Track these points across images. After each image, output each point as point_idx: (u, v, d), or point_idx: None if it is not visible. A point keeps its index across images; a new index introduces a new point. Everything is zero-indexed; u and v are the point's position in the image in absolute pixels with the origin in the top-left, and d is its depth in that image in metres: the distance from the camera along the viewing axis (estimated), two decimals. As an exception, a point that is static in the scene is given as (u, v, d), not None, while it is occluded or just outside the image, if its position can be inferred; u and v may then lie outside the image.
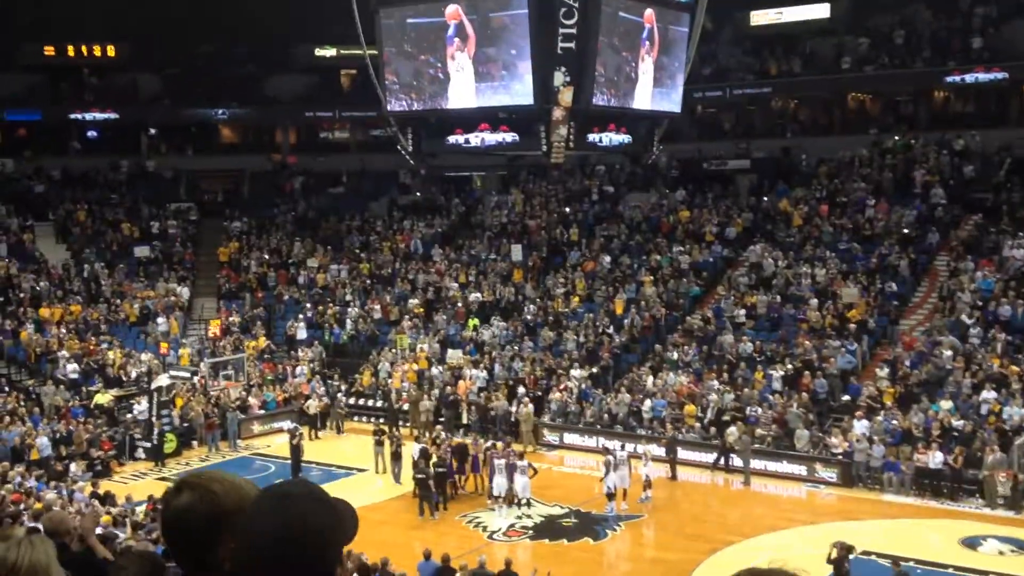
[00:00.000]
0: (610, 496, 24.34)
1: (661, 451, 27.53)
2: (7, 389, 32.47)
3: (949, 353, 29.00)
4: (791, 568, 1.75)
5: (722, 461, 27.77)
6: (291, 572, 1.99)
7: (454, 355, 35.51)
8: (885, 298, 32.69)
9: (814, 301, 33.00)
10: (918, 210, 35.90)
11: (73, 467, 27.29)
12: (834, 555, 17.73)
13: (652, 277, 36.98)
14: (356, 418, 34.09)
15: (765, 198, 39.96)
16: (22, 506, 19.12)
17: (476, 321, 37.36)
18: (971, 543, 22.03)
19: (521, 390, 32.01)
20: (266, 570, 1.98)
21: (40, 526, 12.65)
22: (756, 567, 1.75)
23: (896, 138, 40.04)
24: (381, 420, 32.86)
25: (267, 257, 43.81)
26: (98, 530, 10.40)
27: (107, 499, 22.05)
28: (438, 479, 24.85)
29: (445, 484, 25.14)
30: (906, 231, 35.06)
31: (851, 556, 18.04)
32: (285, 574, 1.98)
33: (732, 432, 27.67)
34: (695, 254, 37.84)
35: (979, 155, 37.41)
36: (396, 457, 26.79)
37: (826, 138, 42.10)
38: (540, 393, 32.26)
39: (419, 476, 24.51)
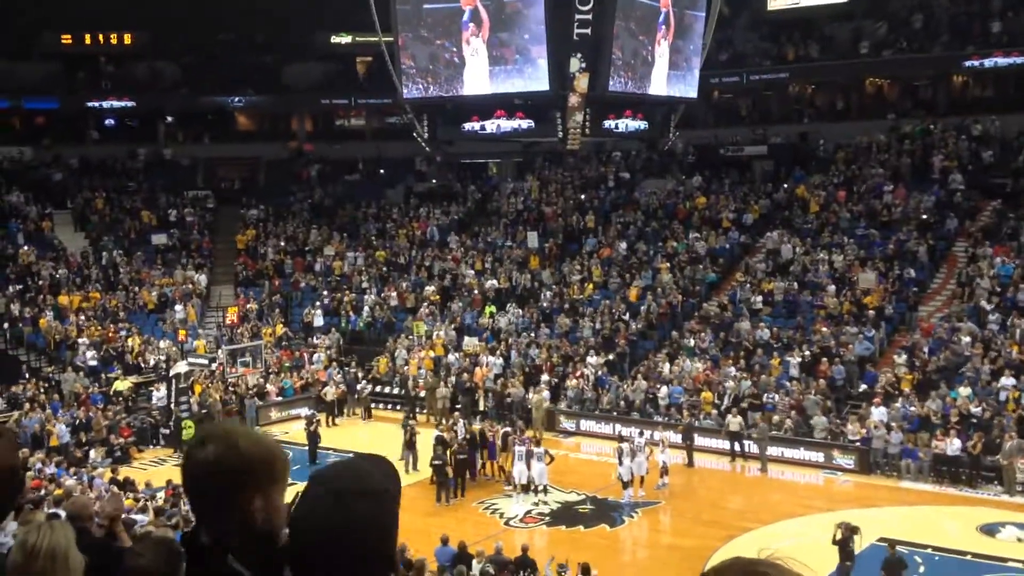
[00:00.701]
0: (625, 484, 24.36)
1: (678, 438, 27.52)
2: (27, 376, 32.70)
3: (968, 339, 28.86)
4: (778, 556, 1.75)
5: (737, 447, 27.75)
6: (357, 565, 1.97)
7: (470, 342, 35.56)
8: (903, 284, 32.52)
9: (831, 287, 32.88)
10: (936, 196, 35.68)
11: (92, 454, 27.50)
12: (839, 536, 18.08)
13: (668, 264, 36.90)
14: (373, 405, 34.16)
15: (784, 185, 39.73)
16: (43, 492, 19.27)
17: (492, 308, 37.39)
18: (989, 530, 21.95)
19: (545, 377, 32.03)
20: (331, 565, 1.96)
21: (61, 512, 12.77)
22: (742, 557, 1.76)
23: (914, 123, 39.78)
24: (398, 407, 33.05)
25: (284, 244, 43.95)
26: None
27: (126, 485, 22.20)
28: (457, 466, 24.93)
29: (464, 471, 25.20)
30: (924, 217, 34.86)
31: (856, 537, 18.14)
32: (351, 568, 1.97)
33: (734, 421, 27.57)
34: (711, 240, 37.73)
35: (998, 140, 37.14)
36: (410, 445, 26.85)
37: (844, 123, 41.86)
38: (556, 380, 32.28)
39: (436, 463, 24.58)
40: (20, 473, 1.80)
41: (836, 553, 18.08)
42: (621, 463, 24.38)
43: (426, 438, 26.80)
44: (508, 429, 26.90)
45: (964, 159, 36.82)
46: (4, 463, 1.68)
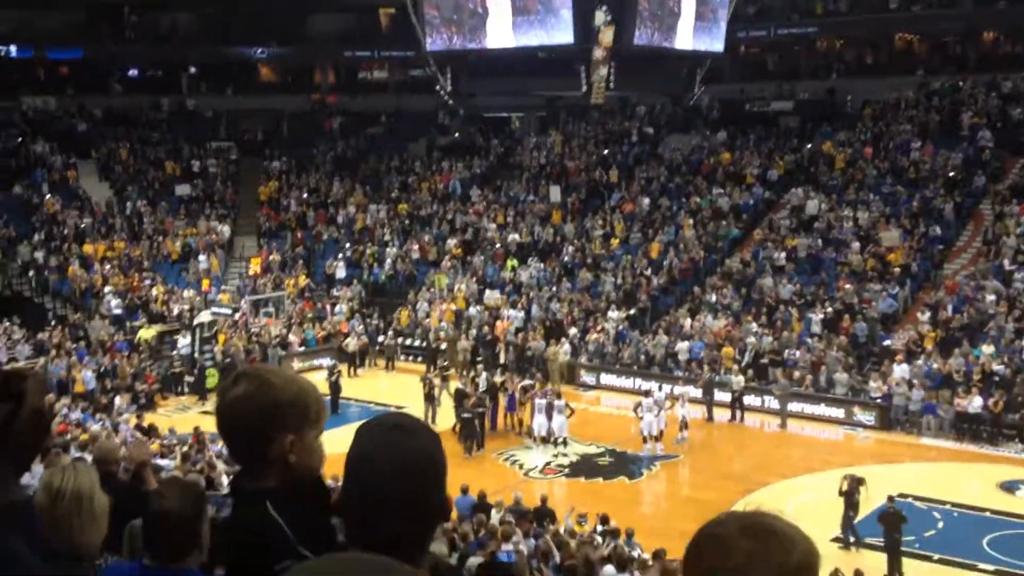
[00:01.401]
0: (645, 439, 24.48)
1: (698, 393, 27.55)
2: (52, 323, 33.05)
3: (992, 297, 28.68)
4: (768, 508, 1.76)
5: (738, 413, 27.55)
6: (416, 506, 1.90)
7: (492, 295, 35.61)
8: (928, 242, 32.29)
9: (856, 244, 32.67)
10: (964, 153, 35.28)
11: (118, 400, 27.78)
12: (845, 487, 18.41)
13: (691, 219, 36.73)
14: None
15: (810, 142, 39.35)
16: (68, 436, 19.53)
17: (514, 262, 37.39)
18: (1009, 487, 21.95)
19: (573, 331, 32.08)
20: (390, 507, 1.88)
21: (87, 456, 12.96)
22: (735, 511, 1.77)
23: (944, 80, 39.24)
24: (419, 359, 33.26)
25: (306, 197, 44.00)
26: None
27: (151, 431, 22.46)
28: (477, 419, 25.01)
29: (483, 424, 25.32)
30: (951, 174, 34.50)
31: (861, 488, 18.34)
32: (411, 508, 1.89)
33: (736, 380, 27.46)
34: (735, 196, 37.50)
35: (1028, 97, 36.63)
36: (429, 399, 26.98)
37: (872, 79, 41.36)
38: (579, 334, 32.31)
39: (466, 416, 24.66)
40: (47, 416, 1.81)
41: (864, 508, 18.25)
42: (642, 418, 24.48)
43: (442, 393, 26.97)
44: (527, 382, 26.99)
45: (993, 116, 36.34)
46: (32, 405, 1.70)
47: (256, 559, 2.25)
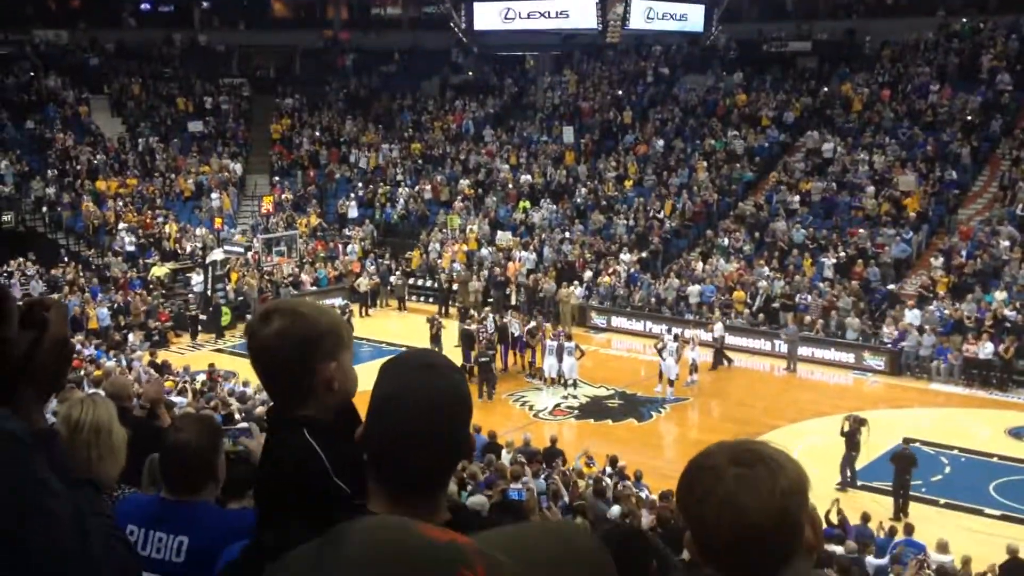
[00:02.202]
0: (661, 379, 24.66)
1: (708, 336, 27.56)
2: (66, 260, 33.18)
3: (1006, 243, 28.53)
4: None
5: (724, 361, 27.20)
6: (442, 444, 1.88)
7: (504, 237, 35.57)
8: (943, 186, 32.05)
9: (870, 188, 32.45)
10: (983, 96, 34.85)
11: (131, 337, 28.01)
12: (847, 428, 18.76)
13: (705, 162, 36.50)
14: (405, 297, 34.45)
15: (827, 89, 38.85)
16: (82, 372, 19.72)
17: (526, 203, 37.28)
18: (1017, 433, 22.02)
19: (588, 275, 32.07)
20: (417, 445, 1.85)
21: (101, 391, 13.10)
22: (724, 441, 1.80)
23: (964, 21, 38.63)
24: (431, 300, 33.41)
25: (318, 135, 43.83)
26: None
27: (164, 368, 22.68)
28: (480, 369, 24.98)
29: (490, 369, 25.28)
30: (969, 118, 34.12)
31: (863, 429, 18.54)
32: (437, 446, 1.87)
33: (718, 326, 27.16)
34: (751, 139, 37.21)
35: (1049, 40, 36.08)
36: (435, 340, 27.06)
37: (891, 20, 40.65)
38: (593, 276, 32.27)
39: (483, 360, 24.72)
40: (70, 345, 1.83)
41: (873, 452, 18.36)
42: (665, 360, 24.56)
43: (452, 332, 27.04)
44: (532, 325, 26.98)
45: (1013, 59, 35.84)
46: (55, 334, 1.72)
47: (292, 487, 2.28)
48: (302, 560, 1.19)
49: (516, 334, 26.60)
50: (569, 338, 25.85)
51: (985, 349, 25.15)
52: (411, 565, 1.16)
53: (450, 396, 1.89)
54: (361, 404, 2.07)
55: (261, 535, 2.34)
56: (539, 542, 1.36)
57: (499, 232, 35.99)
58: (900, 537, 14.86)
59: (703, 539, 1.72)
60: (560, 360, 25.01)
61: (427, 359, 1.94)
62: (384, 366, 1.93)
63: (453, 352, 25.55)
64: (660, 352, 24.74)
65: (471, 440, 1.97)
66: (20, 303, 1.72)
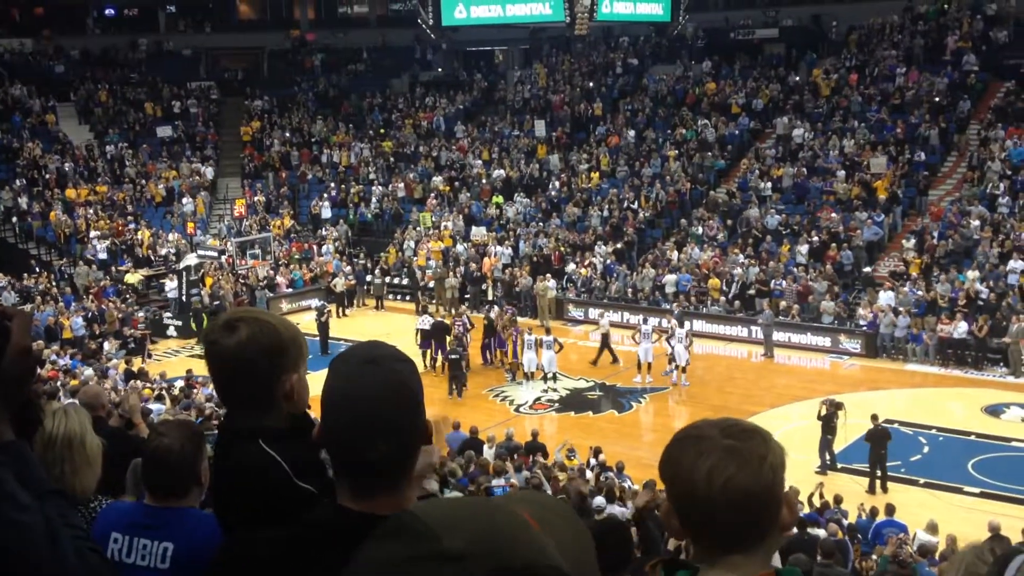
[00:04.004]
0: (640, 366, 24.81)
1: (687, 325, 27.56)
2: (37, 270, 32.88)
3: (977, 223, 28.76)
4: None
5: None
6: (393, 431, 1.88)
7: (478, 232, 35.54)
8: (913, 168, 32.28)
9: (841, 173, 32.65)
10: (950, 78, 35.11)
11: (107, 345, 27.80)
12: (823, 412, 18.93)
13: (677, 151, 36.60)
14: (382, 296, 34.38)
15: (795, 76, 38.99)
16: (58, 382, 19.55)
17: (499, 199, 37.26)
18: (994, 411, 22.23)
19: (571, 267, 32.14)
20: (368, 434, 1.86)
21: (76, 401, 12.99)
22: (707, 418, 1.82)
23: (929, 3, 38.87)
24: (407, 298, 33.31)
25: (289, 136, 43.64)
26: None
27: (140, 376, 22.52)
28: (450, 366, 24.79)
29: (460, 367, 24.90)
30: (937, 100, 34.36)
31: (840, 413, 18.72)
32: (389, 434, 1.87)
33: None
34: (721, 127, 37.33)
35: (1013, 20, 36.32)
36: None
37: (856, 4, 40.86)
38: (575, 267, 32.29)
39: (452, 357, 24.71)
40: (35, 355, 1.80)
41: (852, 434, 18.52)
42: (640, 343, 24.78)
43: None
44: (507, 318, 27.00)
45: (978, 40, 36.11)
46: (18, 343, 1.70)
47: (255, 497, 2.27)
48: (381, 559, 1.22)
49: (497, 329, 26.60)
50: (547, 332, 25.88)
51: (959, 329, 25.35)
52: (491, 510, 1.25)
53: (396, 385, 1.91)
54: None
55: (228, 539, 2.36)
56: (539, 510, 1.40)
57: (473, 227, 35.93)
58: (882, 518, 14.96)
59: (688, 509, 1.72)
60: (539, 355, 25.02)
61: (372, 352, 1.96)
62: (332, 362, 1.96)
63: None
64: (633, 337, 24.84)
65: (425, 426, 1.98)
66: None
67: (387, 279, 34.77)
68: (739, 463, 1.68)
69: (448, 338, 25.46)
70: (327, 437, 1.93)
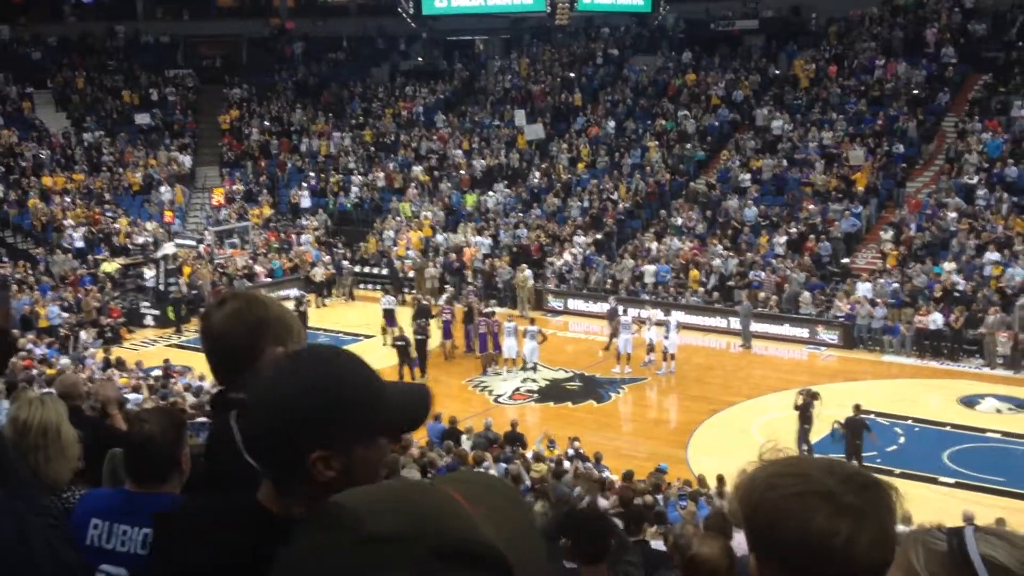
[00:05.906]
0: (619, 357, 24.92)
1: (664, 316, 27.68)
2: (6, 260, 32.55)
3: (954, 215, 28.95)
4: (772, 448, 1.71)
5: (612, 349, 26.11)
6: (325, 432, 1.64)
7: (463, 229, 35.43)
8: (891, 160, 32.46)
9: (820, 164, 32.79)
10: (928, 70, 35.30)
11: (83, 335, 27.63)
12: (800, 402, 19.07)
13: (657, 142, 36.65)
14: (362, 285, 34.29)
15: (775, 67, 39.06)
16: (34, 372, 19.42)
17: (473, 197, 37.14)
18: (969, 402, 22.41)
19: (558, 260, 32.13)
20: (296, 433, 1.64)
21: (52, 391, 12.91)
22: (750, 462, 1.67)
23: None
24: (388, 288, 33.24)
25: (268, 125, 43.42)
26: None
27: (118, 365, 22.42)
28: (417, 346, 25.00)
29: (424, 350, 25.15)
30: (915, 92, 34.55)
31: (815, 403, 18.89)
32: (315, 437, 1.64)
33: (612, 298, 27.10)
34: (701, 118, 37.41)
35: (991, 13, 36.54)
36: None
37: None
38: (558, 258, 32.33)
39: (399, 343, 24.72)
40: (11, 336, 1.79)
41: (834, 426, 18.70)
42: (619, 334, 24.76)
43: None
44: (489, 308, 27.06)
45: (956, 32, 36.30)
46: None
47: (217, 467, 2.31)
48: (310, 553, 1.21)
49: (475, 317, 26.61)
50: (532, 322, 25.91)
51: (935, 320, 25.53)
52: (421, 494, 1.25)
53: (336, 382, 1.67)
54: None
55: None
56: (471, 488, 1.38)
57: (460, 224, 35.76)
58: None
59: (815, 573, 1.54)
60: (520, 343, 25.05)
61: (316, 351, 1.76)
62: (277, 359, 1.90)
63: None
64: (610, 320, 25.07)
65: (370, 424, 1.69)
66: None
67: (365, 268, 34.62)
68: (872, 520, 1.53)
69: (431, 321, 25.50)
70: (249, 441, 1.77)
